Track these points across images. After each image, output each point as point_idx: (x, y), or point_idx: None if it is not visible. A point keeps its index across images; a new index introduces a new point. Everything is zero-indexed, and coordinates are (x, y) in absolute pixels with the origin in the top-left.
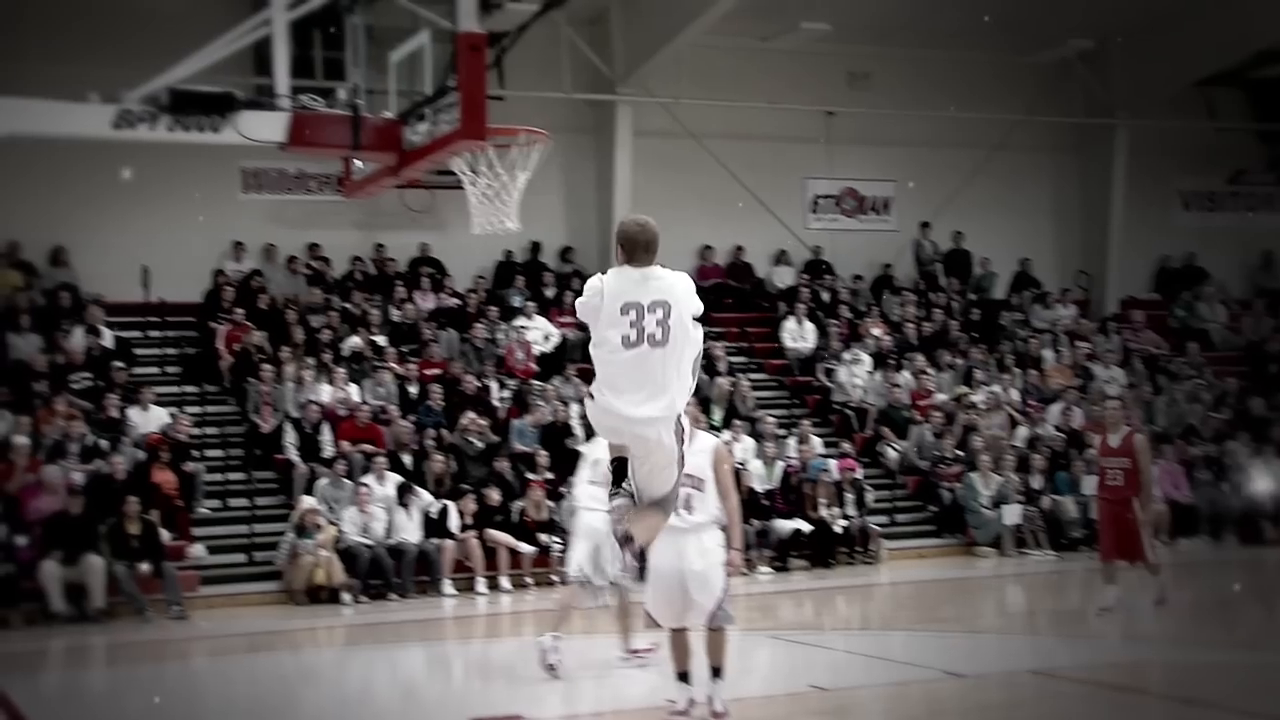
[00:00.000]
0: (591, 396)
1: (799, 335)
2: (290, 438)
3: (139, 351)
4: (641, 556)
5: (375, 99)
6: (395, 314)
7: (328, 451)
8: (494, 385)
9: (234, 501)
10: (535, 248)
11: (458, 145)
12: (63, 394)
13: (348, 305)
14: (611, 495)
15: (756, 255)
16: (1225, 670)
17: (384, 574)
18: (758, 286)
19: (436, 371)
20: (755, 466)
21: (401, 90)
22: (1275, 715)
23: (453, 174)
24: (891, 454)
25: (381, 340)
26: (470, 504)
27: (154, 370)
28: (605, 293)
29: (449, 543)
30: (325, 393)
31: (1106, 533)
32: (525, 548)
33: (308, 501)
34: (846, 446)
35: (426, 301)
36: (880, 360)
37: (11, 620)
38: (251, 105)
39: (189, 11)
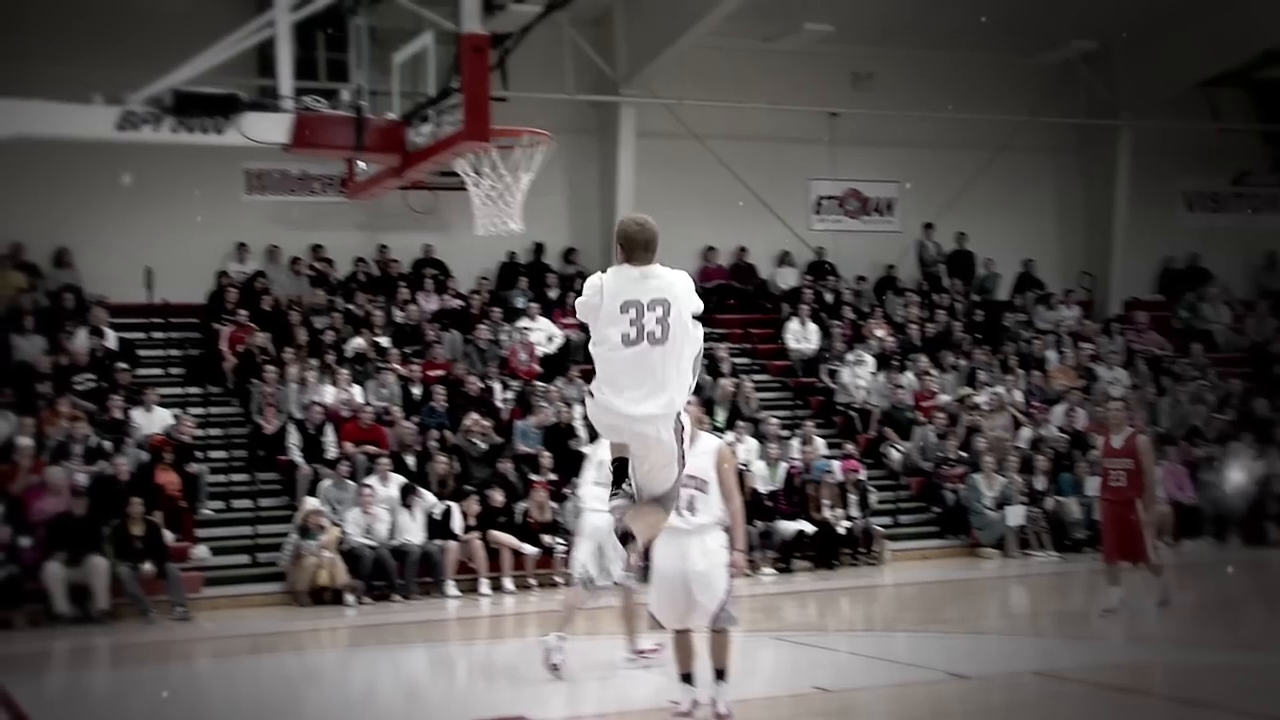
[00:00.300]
0: (591, 395)
1: (802, 336)
2: (294, 439)
3: (143, 353)
4: (645, 557)
5: (379, 100)
6: (398, 315)
7: (331, 453)
8: (497, 386)
9: (237, 503)
10: (538, 249)
11: (461, 146)
12: (66, 395)
13: (351, 306)
14: (611, 495)
15: (760, 256)
16: (1228, 672)
17: (387, 575)
18: (761, 287)
19: (440, 373)
20: (758, 467)
21: (405, 91)
22: (1278, 717)
23: (456, 175)
24: (895, 455)
25: (385, 341)
26: (473, 505)
27: (158, 371)
28: (605, 291)
29: (452, 544)
30: (329, 394)
31: (1109, 534)
32: (528, 549)
33: (311, 503)
34: (850, 447)
35: (430, 303)
36: (884, 361)
37: (15, 621)
38: (255, 106)
39: (192, 13)
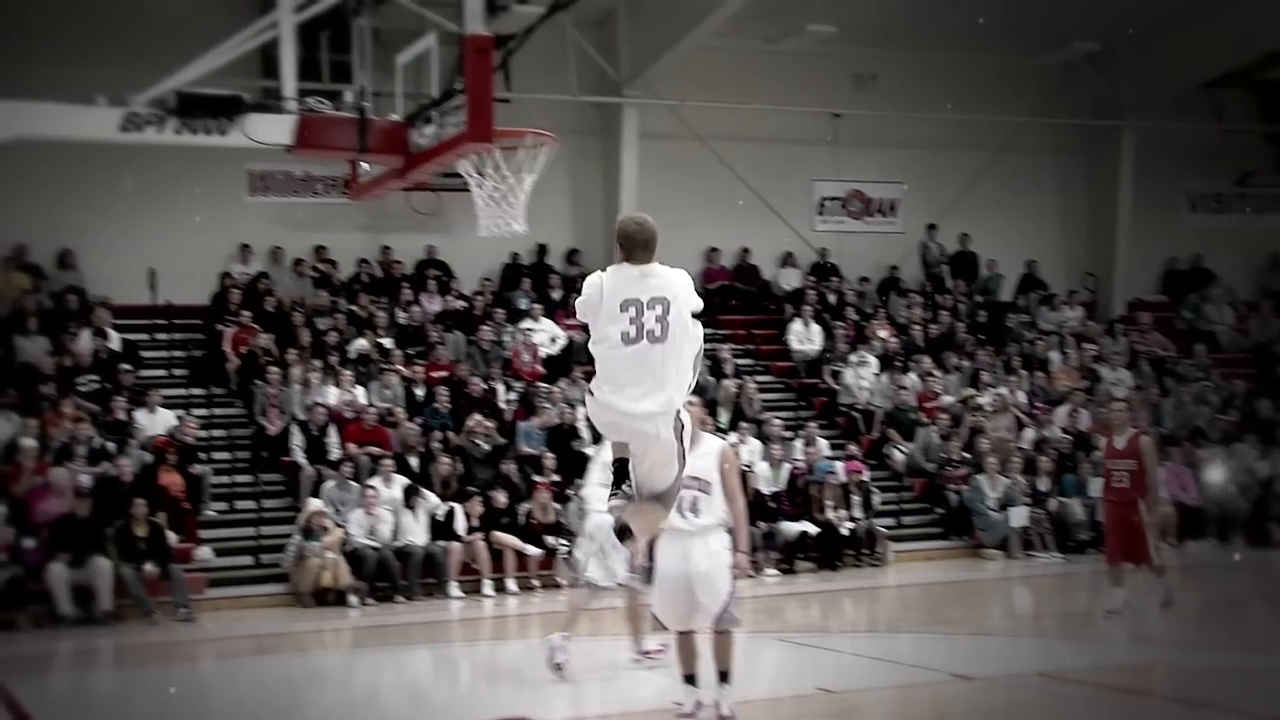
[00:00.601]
0: (591, 393)
1: (805, 337)
2: (297, 440)
3: (146, 354)
4: (650, 558)
5: (382, 101)
6: (402, 316)
7: (334, 454)
8: (500, 387)
9: (241, 504)
10: (541, 250)
11: (464, 148)
12: (70, 396)
13: (354, 307)
14: (610, 495)
15: (763, 257)
16: (1231, 673)
17: (390, 576)
18: (764, 289)
19: (443, 374)
20: (762, 468)
21: (408, 93)
22: None
23: (459, 176)
24: (898, 456)
25: (388, 342)
26: (477, 506)
27: (161, 373)
28: (605, 290)
29: (455, 545)
30: (332, 395)
31: (1112, 535)
32: (532, 550)
33: (314, 504)
34: (853, 448)
35: (433, 304)
36: (887, 362)
37: (19, 622)
38: (258, 108)
39: (196, 14)
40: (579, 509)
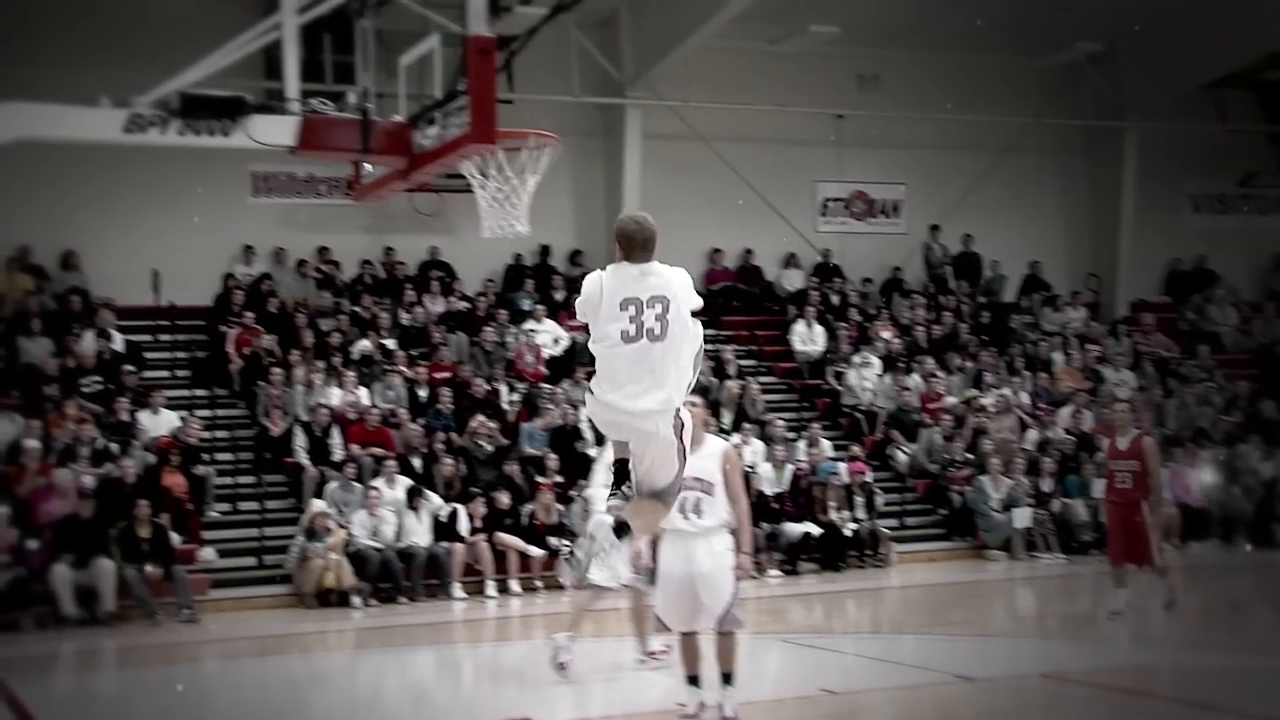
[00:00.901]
0: (591, 392)
1: (808, 338)
2: (300, 441)
3: (149, 355)
4: (653, 558)
5: (385, 103)
6: (405, 317)
7: (337, 455)
8: (503, 389)
9: (244, 505)
10: (545, 251)
11: (467, 149)
12: (73, 397)
13: (357, 309)
14: (610, 495)
15: (766, 258)
16: (1235, 674)
17: (393, 577)
18: (767, 290)
19: (446, 375)
20: (765, 469)
21: (411, 94)
22: None
23: (462, 177)
24: (901, 457)
25: (391, 344)
26: (480, 507)
27: (164, 374)
28: (604, 289)
29: (459, 546)
30: (335, 396)
31: (1115, 536)
32: (535, 551)
33: (317, 505)
34: (856, 449)
35: (436, 305)
36: (890, 363)
37: (22, 623)
38: (262, 109)
39: (199, 15)
40: (582, 510)
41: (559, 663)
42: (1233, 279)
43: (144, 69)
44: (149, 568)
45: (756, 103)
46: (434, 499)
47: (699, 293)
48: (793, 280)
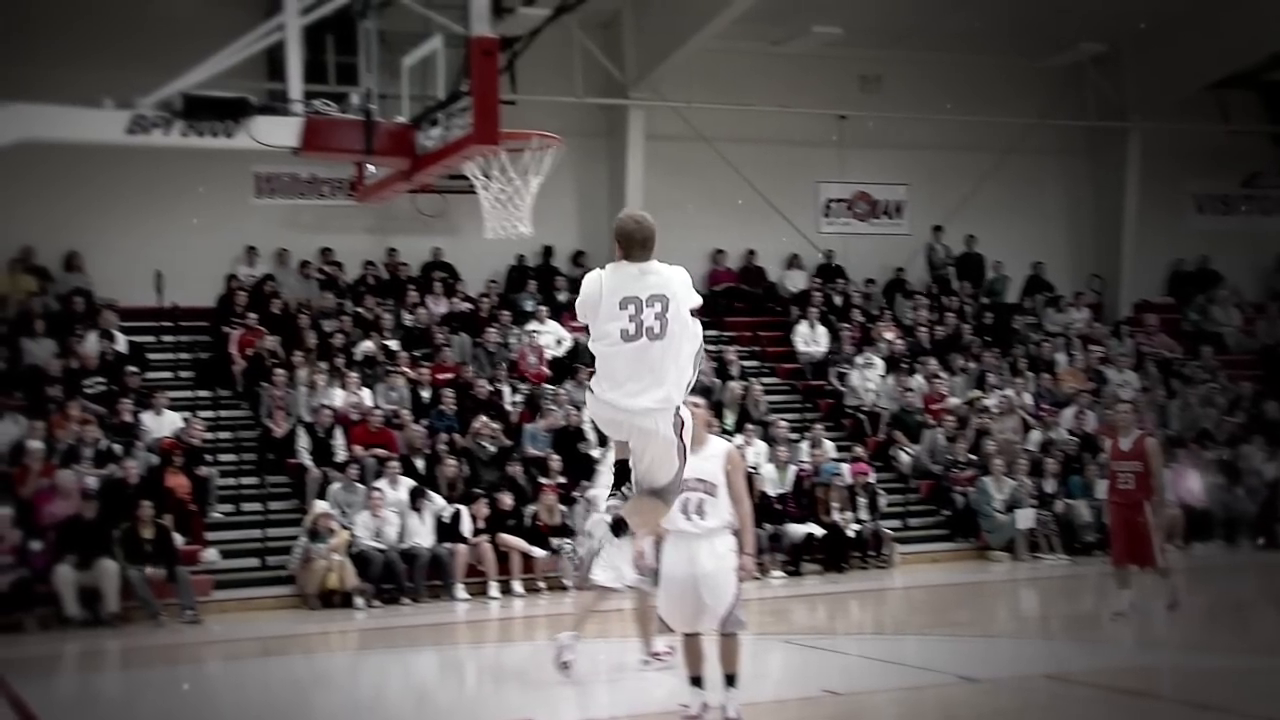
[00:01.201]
0: (591, 391)
1: (811, 339)
2: (303, 442)
3: (152, 356)
4: (657, 559)
5: (388, 104)
6: (408, 318)
7: (340, 456)
8: (506, 389)
9: (247, 506)
10: (547, 252)
11: (470, 150)
12: (77, 399)
13: (360, 310)
14: (609, 495)
15: (769, 259)
16: (1238, 675)
17: (396, 578)
18: (770, 291)
19: (449, 376)
20: (768, 470)
21: (414, 95)
22: None
23: (465, 178)
24: (904, 458)
25: (394, 345)
26: (483, 508)
27: (167, 375)
28: (604, 288)
29: (461, 547)
30: (338, 397)
31: (1118, 537)
32: (538, 552)
33: (320, 506)
34: (859, 450)
35: (439, 306)
36: (893, 364)
37: (26, 624)
38: (265, 110)
39: (202, 17)
40: (585, 511)
41: (562, 662)
42: (1236, 279)
43: (147, 70)
44: (152, 569)
45: (759, 103)
46: (437, 500)
47: (701, 293)
48: (795, 281)
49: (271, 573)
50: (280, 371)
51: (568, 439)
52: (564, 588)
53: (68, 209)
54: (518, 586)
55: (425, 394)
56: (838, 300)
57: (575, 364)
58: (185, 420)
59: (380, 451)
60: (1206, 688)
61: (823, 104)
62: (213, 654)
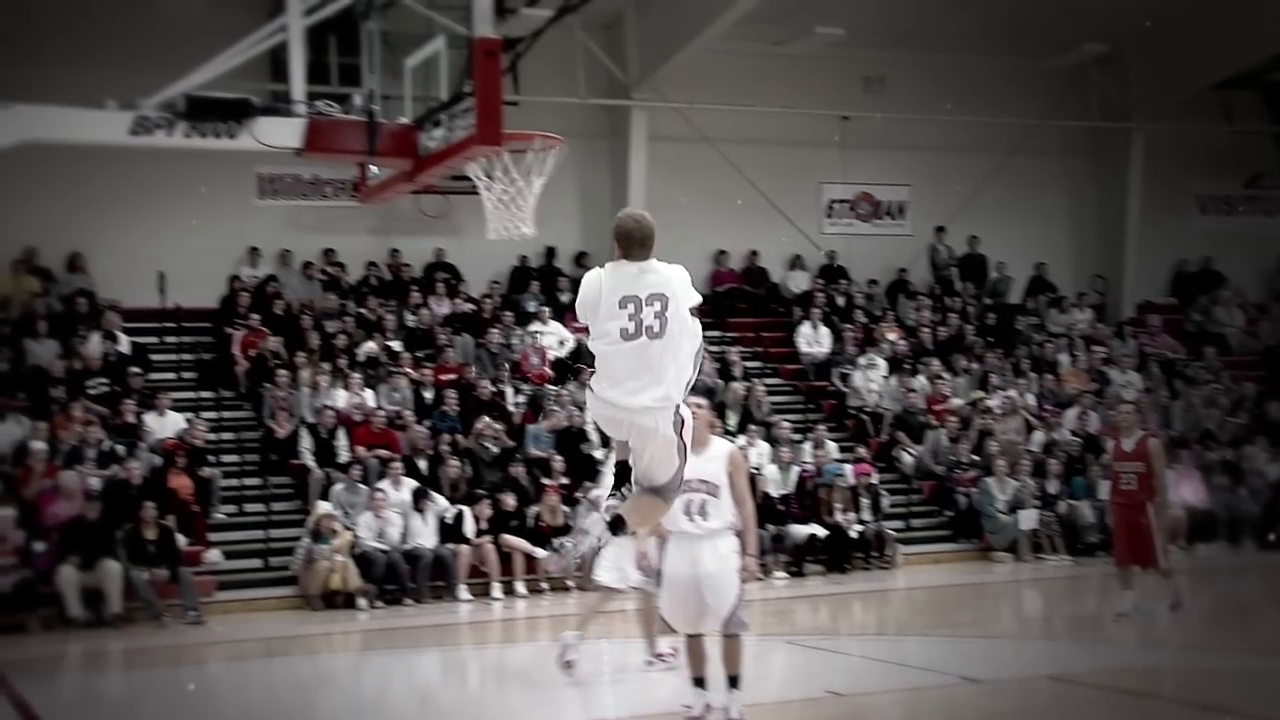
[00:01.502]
0: (591, 390)
1: (814, 340)
2: (306, 443)
3: (155, 357)
4: (661, 559)
5: (391, 104)
6: (410, 319)
7: (343, 457)
8: (509, 390)
9: (250, 507)
10: (550, 253)
11: (473, 150)
12: (80, 400)
13: (363, 310)
14: (609, 496)
15: (771, 260)
16: (1240, 676)
17: (399, 579)
18: (773, 291)
19: (452, 377)
20: (770, 471)
21: (417, 96)
22: None
23: (468, 179)
24: (907, 459)
25: (397, 345)
26: (485, 509)
27: (170, 376)
28: (603, 287)
29: (464, 548)
30: (341, 398)
31: (1120, 538)
32: (540, 553)
33: (323, 507)
34: (862, 451)
35: (442, 307)
36: (895, 365)
37: (29, 625)
38: (267, 111)
39: (205, 18)
40: (587, 511)
41: (565, 661)
42: (1239, 280)
43: (149, 71)
44: (155, 570)
45: (762, 104)
46: (439, 501)
47: (704, 294)
48: (798, 282)
49: (274, 574)
50: (283, 372)
51: (570, 440)
52: (566, 588)
53: (70, 210)
54: (520, 587)
55: (428, 395)
56: (840, 301)
57: (578, 364)
58: (188, 421)
59: (383, 452)
60: (1209, 689)
61: (825, 105)
62: (215, 655)
